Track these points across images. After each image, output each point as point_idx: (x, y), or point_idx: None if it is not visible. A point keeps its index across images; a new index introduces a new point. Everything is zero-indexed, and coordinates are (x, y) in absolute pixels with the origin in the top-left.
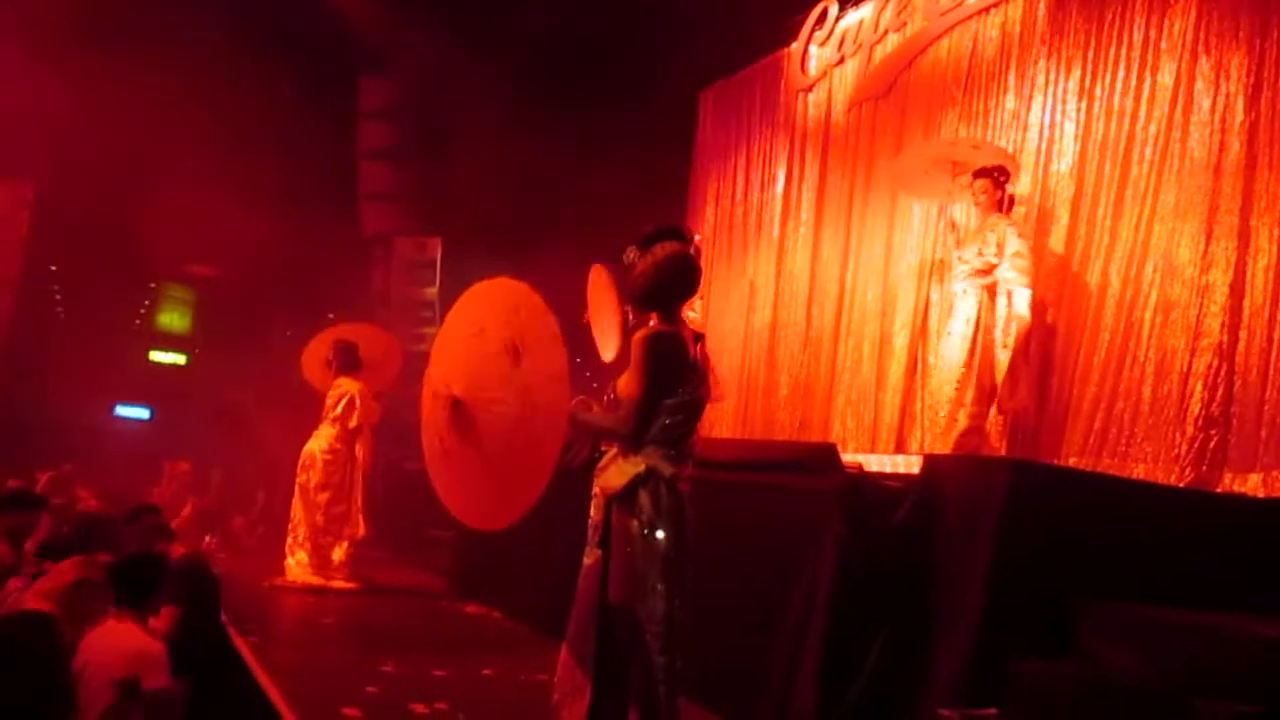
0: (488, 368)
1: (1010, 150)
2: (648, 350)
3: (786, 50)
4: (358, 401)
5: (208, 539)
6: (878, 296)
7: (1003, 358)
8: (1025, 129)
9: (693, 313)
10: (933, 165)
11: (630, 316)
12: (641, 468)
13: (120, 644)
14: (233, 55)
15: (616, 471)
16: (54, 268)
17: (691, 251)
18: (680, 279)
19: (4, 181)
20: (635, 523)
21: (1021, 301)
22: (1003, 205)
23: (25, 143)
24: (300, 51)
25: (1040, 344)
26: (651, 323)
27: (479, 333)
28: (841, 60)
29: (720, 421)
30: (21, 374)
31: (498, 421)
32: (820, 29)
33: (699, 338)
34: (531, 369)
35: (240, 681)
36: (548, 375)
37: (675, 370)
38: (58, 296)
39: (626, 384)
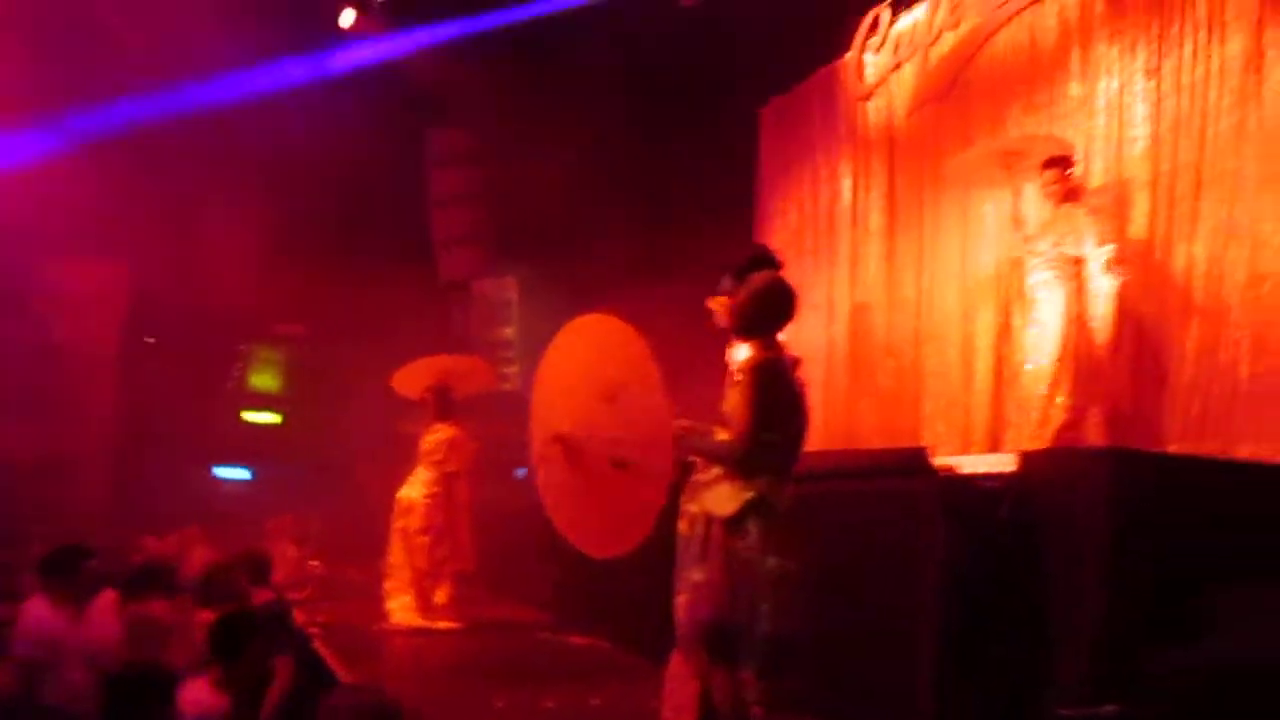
0: (590, 402)
1: (1079, 137)
2: (758, 379)
3: (842, 60)
4: (455, 445)
5: (309, 582)
6: (957, 299)
7: (1098, 343)
8: (1093, 114)
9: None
10: (988, 161)
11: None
12: (752, 494)
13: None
14: (305, 118)
15: (727, 495)
16: (150, 340)
17: (784, 276)
18: (780, 305)
19: (100, 263)
20: (742, 545)
21: (1109, 289)
22: (1075, 194)
23: (115, 224)
24: (369, 107)
25: (1130, 331)
26: (753, 350)
27: (579, 368)
28: (898, 65)
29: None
30: (128, 442)
31: (602, 454)
32: (874, 35)
33: (796, 362)
34: (631, 403)
35: None
36: (647, 406)
37: (784, 397)
38: (154, 368)
39: (734, 408)
